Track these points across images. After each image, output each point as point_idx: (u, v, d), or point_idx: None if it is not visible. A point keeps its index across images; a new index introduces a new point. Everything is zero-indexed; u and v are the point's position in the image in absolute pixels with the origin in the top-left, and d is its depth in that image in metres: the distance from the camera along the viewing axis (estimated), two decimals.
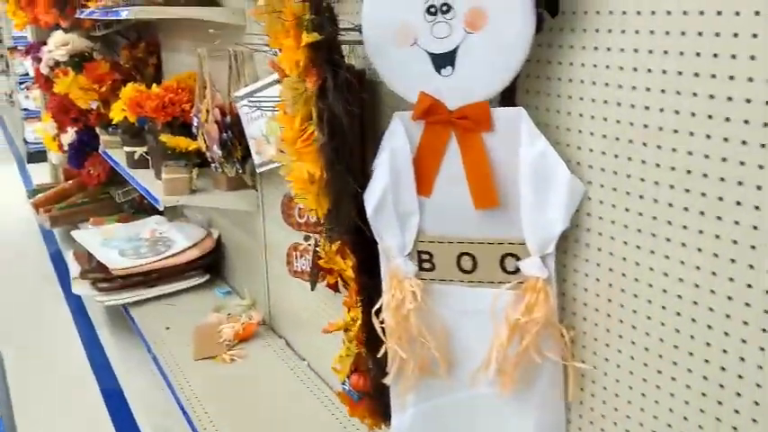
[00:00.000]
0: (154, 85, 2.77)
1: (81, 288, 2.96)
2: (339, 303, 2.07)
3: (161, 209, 2.58)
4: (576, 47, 1.13)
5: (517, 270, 1.24)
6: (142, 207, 3.80)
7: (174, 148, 2.49)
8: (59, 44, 3.42)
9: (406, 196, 1.27)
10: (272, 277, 2.61)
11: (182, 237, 3.13)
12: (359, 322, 1.40)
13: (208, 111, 2.18)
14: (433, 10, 1.18)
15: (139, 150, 2.86)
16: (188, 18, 2.38)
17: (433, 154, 1.24)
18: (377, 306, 1.34)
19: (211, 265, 3.10)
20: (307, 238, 2.03)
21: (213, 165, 2.36)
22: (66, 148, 3.79)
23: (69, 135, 3.73)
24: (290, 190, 1.99)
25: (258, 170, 2.18)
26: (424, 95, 1.21)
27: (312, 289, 1.95)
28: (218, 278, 3.12)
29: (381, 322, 1.34)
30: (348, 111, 1.24)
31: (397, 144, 1.25)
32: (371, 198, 1.27)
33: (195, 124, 2.35)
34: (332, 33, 1.19)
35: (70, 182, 4.32)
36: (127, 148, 2.94)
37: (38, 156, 6.14)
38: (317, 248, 1.97)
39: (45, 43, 3.78)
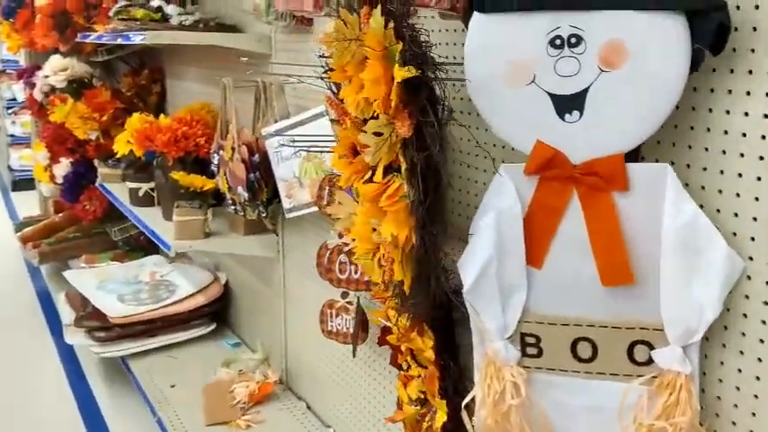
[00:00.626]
0: (162, 115, 2.53)
1: (75, 337, 2.68)
2: (373, 363, 1.83)
3: (171, 254, 2.32)
4: (738, 91, 0.91)
5: (650, 361, 1.01)
6: (138, 245, 3.53)
7: (187, 187, 2.24)
8: (57, 69, 3.17)
9: (513, 267, 1.03)
10: (291, 330, 2.36)
11: (185, 281, 2.86)
12: (439, 417, 1.15)
13: (233, 148, 1.94)
14: (558, 42, 0.96)
15: (145, 187, 2.61)
16: (204, 44, 2.15)
17: (548, 216, 1.02)
18: (467, 399, 1.10)
19: (218, 314, 2.83)
20: (344, 295, 1.78)
21: (233, 207, 2.11)
22: (59, 179, 3.52)
23: (63, 166, 3.46)
24: (329, 238, 1.77)
25: (288, 215, 1.94)
26: (543, 146, 0.99)
27: (353, 356, 1.71)
28: (226, 328, 2.85)
29: (471, 417, 1.10)
30: (444, 161, 1.01)
31: (506, 204, 1.02)
32: (471, 269, 1.04)
33: (216, 162, 2.11)
34: (433, 68, 0.97)
35: (60, 215, 4.03)
36: (130, 184, 2.68)
37: (23, 184, 5.85)
38: (362, 308, 1.74)
39: (40, 67, 3.53)
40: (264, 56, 2.15)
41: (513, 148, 1.01)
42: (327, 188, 1.74)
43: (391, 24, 1.03)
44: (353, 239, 1.27)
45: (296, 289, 2.27)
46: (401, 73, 0.96)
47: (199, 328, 2.76)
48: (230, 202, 2.11)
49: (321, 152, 1.78)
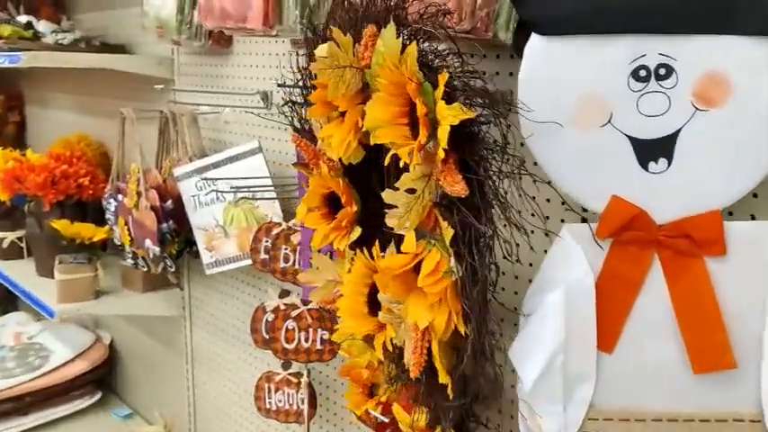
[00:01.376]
0: (30, 151, 2.12)
1: None
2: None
3: (55, 321, 1.91)
4: None
5: None
6: None
7: (71, 238, 1.85)
8: None
9: (582, 354, 0.82)
10: (200, 399, 2.02)
11: (60, 344, 2.42)
12: None
13: (139, 193, 1.60)
14: (643, 74, 0.76)
15: (11, 236, 2.17)
16: (83, 68, 1.78)
17: (623, 289, 0.81)
18: None
19: (103, 381, 2.42)
20: (286, 366, 1.50)
21: (133, 261, 1.76)
22: None
23: None
24: (266, 299, 1.49)
25: (209, 271, 1.62)
26: (622, 202, 0.79)
27: None
28: (114, 397, 2.44)
29: None
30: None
31: (575, 276, 0.80)
32: (534, 362, 0.81)
33: (112, 209, 1.75)
34: (495, 105, 0.73)
35: None
36: None
37: None
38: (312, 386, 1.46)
39: None
40: (165, 80, 1.82)
41: (582, 208, 0.79)
42: (267, 240, 1.46)
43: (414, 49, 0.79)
44: (340, 317, 1.01)
45: (205, 351, 1.95)
46: (451, 113, 0.72)
47: (81, 400, 2.33)
48: (130, 254, 1.76)
49: (254, 197, 1.49)
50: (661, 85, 0.76)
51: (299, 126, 1.13)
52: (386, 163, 0.84)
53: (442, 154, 0.73)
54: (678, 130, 0.76)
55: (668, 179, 0.77)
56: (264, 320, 1.48)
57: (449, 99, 0.75)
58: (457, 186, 0.72)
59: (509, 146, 0.72)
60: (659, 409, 0.84)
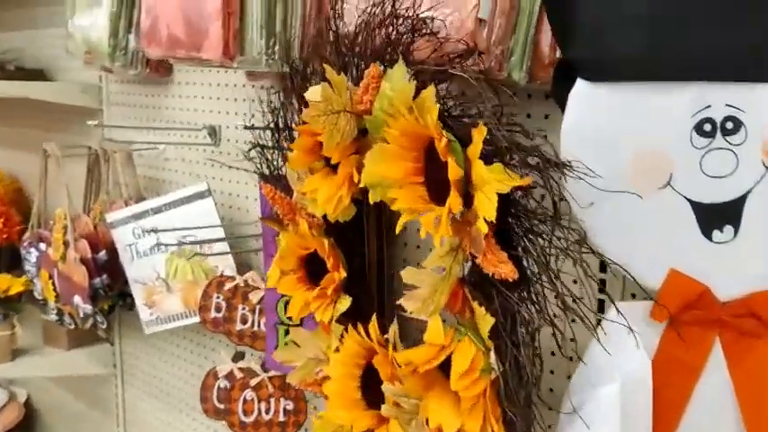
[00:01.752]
0: None
1: None
2: None
3: None
4: None
5: None
6: None
7: None
8: None
9: None
10: None
11: None
12: None
13: (66, 243, 1.39)
14: (708, 128, 0.64)
15: None
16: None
17: (681, 376, 0.69)
18: None
19: None
20: None
21: (58, 318, 1.54)
22: None
23: None
24: (218, 362, 1.31)
25: (149, 329, 1.43)
26: (683, 278, 0.67)
27: None
28: None
29: None
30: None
31: (632, 365, 0.67)
32: None
33: (33, 260, 1.53)
34: (544, 167, 0.60)
35: None
36: None
37: None
38: None
39: None
40: (91, 111, 1.62)
41: (635, 281, 0.67)
42: (218, 296, 1.28)
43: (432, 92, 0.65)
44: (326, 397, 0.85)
45: (141, 413, 1.74)
46: (495, 177, 0.58)
47: None
48: (54, 310, 1.54)
49: (202, 247, 1.32)
50: (728, 141, 0.64)
51: (267, 173, 0.98)
52: (397, 231, 0.69)
53: (483, 228, 0.59)
54: (746, 193, 0.65)
55: (734, 250, 0.66)
56: (217, 388, 1.30)
57: (483, 157, 0.61)
58: (504, 268, 0.59)
59: (562, 216, 0.59)
60: None
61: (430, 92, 0.67)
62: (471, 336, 0.65)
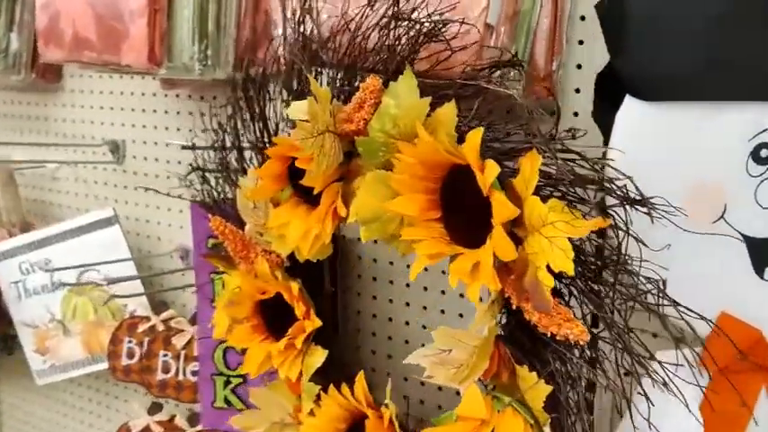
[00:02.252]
0: None
1: None
2: None
3: None
4: None
5: None
6: None
7: None
8: None
9: None
10: None
11: None
12: None
13: None
14: (764, 154, 0.57)
15: None
16: None
17: (727, 427, 0.62)
18: None
19: None
20: None
21: None
22: None
23: None
24: (131, 416, 1.12)
25: (42, 380, 1.21)
26: (735, 323, 0.59)
27: None
28: None
29: None
30: None
31: (680, 426, 0.59)
32: None
33: None
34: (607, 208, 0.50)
35: None
36: None
37: None
38: None
39: None
40: None
41: (692, 330, 0.58)
42: (130, 339, 1.10)
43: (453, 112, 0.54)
44: None
45: None
46: (561, 218, 0.47)
47: None
48: None
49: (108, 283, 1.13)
50: None
51: (206, 200, 0.82)
52: (412, 278, 0.57)
53: (549, 281, 0.48)
54: None
55: None
56: None
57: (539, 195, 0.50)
58: (572, 328, 0.48)
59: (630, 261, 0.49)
60: None
61: (450, 110, 0.56)
62: (516, 406, 0.54)
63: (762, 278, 0.59)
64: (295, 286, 0.73)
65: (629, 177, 0.49)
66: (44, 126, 1.26)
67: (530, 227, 0.50)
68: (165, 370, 1.04)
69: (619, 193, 0.48)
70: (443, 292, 0.85)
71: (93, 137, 1.21)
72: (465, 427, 0.54)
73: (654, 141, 0.57)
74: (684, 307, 0.50)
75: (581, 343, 0.48)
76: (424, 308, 0.87)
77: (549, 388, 0.51)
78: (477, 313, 0.55)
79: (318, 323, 0.73)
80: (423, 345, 0.87)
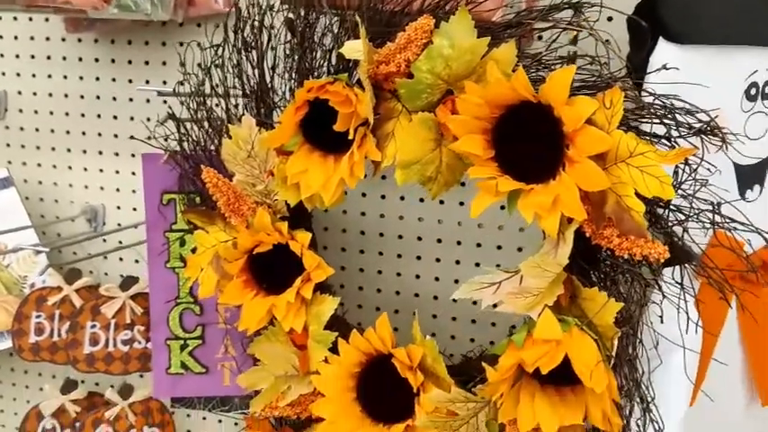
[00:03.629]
0: None
1: None
2: None
3: None
4: None
5: None
6: None
7: None
8: None
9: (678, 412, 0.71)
10: None
11: None
12: None
13: None
14: (753, 92, 0.67)
15: None
16: None
17: (709, 334, 0.72)
18: None
19: None
20: None
21: None
22: None
23: None
24: (41, 400, 1.00)
25: None
26: (726, 238, 0.69)
27: None
28: None
29: None
30: None
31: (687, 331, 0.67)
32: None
33: None
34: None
35: None
36: None
37: None
38: None
39: None
40: None
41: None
42: (38, 314, 0.99)
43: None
44: None
45: None
46: (653, 150, 0.52)
47: None
48: None
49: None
50: (764, 105, 0.68)
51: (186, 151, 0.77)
52: (474, 215, 0.59)
53: (640, 207, 0.53)
54: None
55: (757, 207, 0.70)
56: (41, 430, 1.02)
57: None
58: (656, 247, 0.53)
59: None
60: None
61: (510, 49, 0.58)
62: (581, 325, 0.59)
63: (744, 199, 0.70)
64: (306, 236, 0.71)
65: (705, 111, 0.55)
66: None
67: (613, 159, 0.54)
68: (94, 342, 0.96)
69: (693, 125, 0.54)
70: (440, 241, 0.88)
71: None
72: (541, 349, 0.58)
73: (685, 79, 0.63)
74: (740, 222, 0.58)
75: (658, 261, 0.54)
76: (418, 258, 0.89)
77: (620, 304, 0.57)
78: (546, 243, 0.58)
79: (331, 271, 0.72)
80: (416, 294, 0.91)
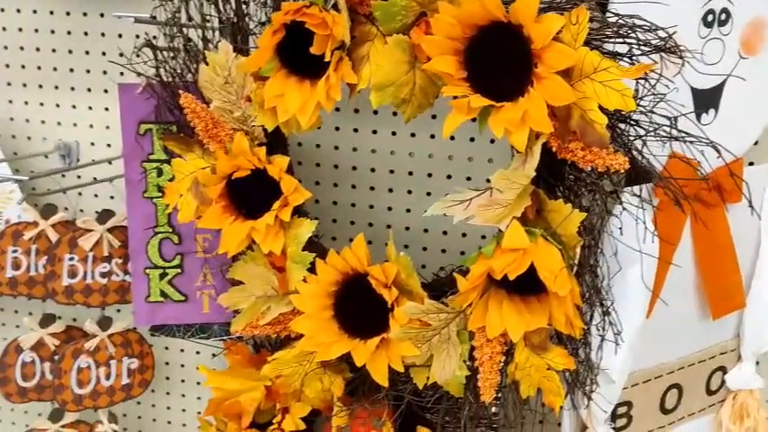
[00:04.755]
0: None
1: None
2: None
3: None
4: None
5: (721, 386, 0.89)
6: None
7: None
8: None
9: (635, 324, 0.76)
10: None
11: None
12: None
13: None
14: (710, 19, 0.70)
15: None
16: None
17: (666, 250, 0.77)
18: None
19: None
20: (56, 417, 1.08)
21: None
22: None
23: None
24: (21, 334, 1.02)
25: None
26: (679, 160, 0.73)
27: None
28: None
29: None
30: None
31: (647, 247, 0.71)
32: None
33: None
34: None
35: None
36: None
37: None
38: None
39: None
40: None
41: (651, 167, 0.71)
42: (15, 249, 1.00)
43: None
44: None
45: None
46: (612, 66, 0.55)
47: None
48: None
49: None
50: (720, 32, 0.71)
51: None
52: (445, 135, 0.62)
53: (602, 119, 0.56)
54: (726, 79, 0.73)
55: (712, 131, 0.74)
56: (21, 363, 1.04)
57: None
58: (617, 158, 0.57)
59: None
60: (671, 360, 0.84)
61: None
62: (546, 236, 0.62)
63: (699, 122, 0.74)
64: (284, 160, 0.74)
65: (662, 29, 0.58)
66: None
67: (578, 75, 0.57)
68: (72, 274, 0.97)
69: (654, 42, 0.57)
70: (411, 173, 0.91)
71: None
72: (509, 258, 0.61)
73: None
74: (696, 137, 0.62)
75: (620, 172, 0.58)
76: (390, 190, 0.92)
77: (584, 215, 0.61)
78: (514, 160, 0.62)
79: (308, 194, 0.74)
80: (388, 226, 0.94)
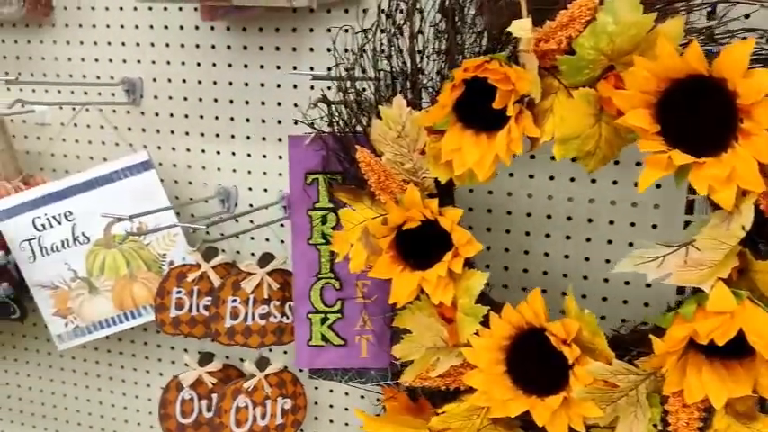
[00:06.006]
0: None
1: None
2: None
3: None
4: None
5: None
6: None
7: None
8: None
9: None
10: None
11: None
12: None
13: None
14: None
15: None
16: None
17: None
18: None
19: None
20: None
21: None
22: None
23: None
24: (182, 370, 1.06)
25: (63, 345, 1.12)
26: None
27: None
28: None
29: None
30: None
31: None
32: None
33: None
34: None
35: None
36: None
37: None
38: None
39: None
40: None
41: None
42: (179, 290, 1.04)
43: None
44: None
45: None
46: None
47: None
48: None
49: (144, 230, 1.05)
50: None
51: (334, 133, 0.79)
52: (641, 190, 0.59)
53: None
54: None
55: None
56: (182, 401, 1.08)
57: None
58: None
59: None
60: None
61: (678, 24, 0.58)
62: (752, 298, 0.59)
63: None
64: (456, 213, 0.73)
65: None
66: (36, 66, 1.13)
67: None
68: (234, 316, 1.00)
69: None
70: (590, 221, 0.88)
71: (97, 76, 1.10)
72: (715, 321, 0.58)
73: None
74: None
75: None
76: (568, 237, 0.90)
77: None
78: (714, 216, 0.59)
79: (480, 246, 0.74)
80: (564, 275, 0.91)
